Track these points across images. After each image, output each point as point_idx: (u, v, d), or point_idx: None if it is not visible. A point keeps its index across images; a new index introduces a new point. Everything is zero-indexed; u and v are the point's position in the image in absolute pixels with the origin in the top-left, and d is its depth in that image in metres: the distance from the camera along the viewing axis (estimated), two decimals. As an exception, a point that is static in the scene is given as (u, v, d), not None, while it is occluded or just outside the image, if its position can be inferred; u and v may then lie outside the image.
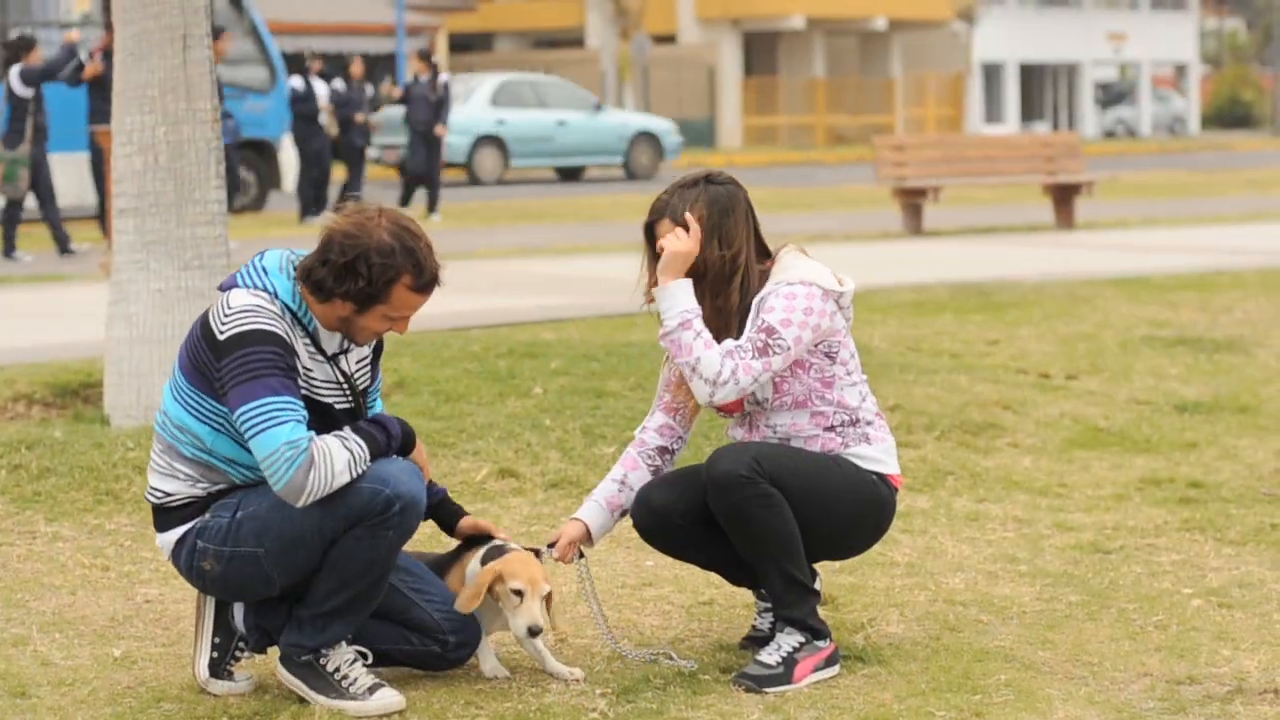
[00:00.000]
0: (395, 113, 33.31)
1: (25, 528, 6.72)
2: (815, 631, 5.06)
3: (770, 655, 5.01)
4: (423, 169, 24.25)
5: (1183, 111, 68.45)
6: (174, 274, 8.09)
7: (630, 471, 5.25)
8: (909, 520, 6.87)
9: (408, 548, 5.02)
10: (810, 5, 54.75)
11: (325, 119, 23.97)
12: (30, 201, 18.51)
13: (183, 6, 8.05)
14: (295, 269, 4.80)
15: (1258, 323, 12.25)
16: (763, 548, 5.02)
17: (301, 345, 4.78)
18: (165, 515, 4.89)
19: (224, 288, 4.81)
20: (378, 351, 5.05)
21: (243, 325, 4.68)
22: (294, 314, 4.78)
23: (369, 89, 25.50)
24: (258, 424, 4.61)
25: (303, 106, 23.63)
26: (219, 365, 4.69)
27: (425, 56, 24.81)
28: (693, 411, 5.31)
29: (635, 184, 33.46)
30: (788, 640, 5.03)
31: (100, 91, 17.73)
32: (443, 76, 24.48)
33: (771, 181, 32.77)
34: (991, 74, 62.44)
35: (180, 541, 4.86)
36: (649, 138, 35.73)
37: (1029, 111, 64.51)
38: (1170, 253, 17.51)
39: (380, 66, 40.54)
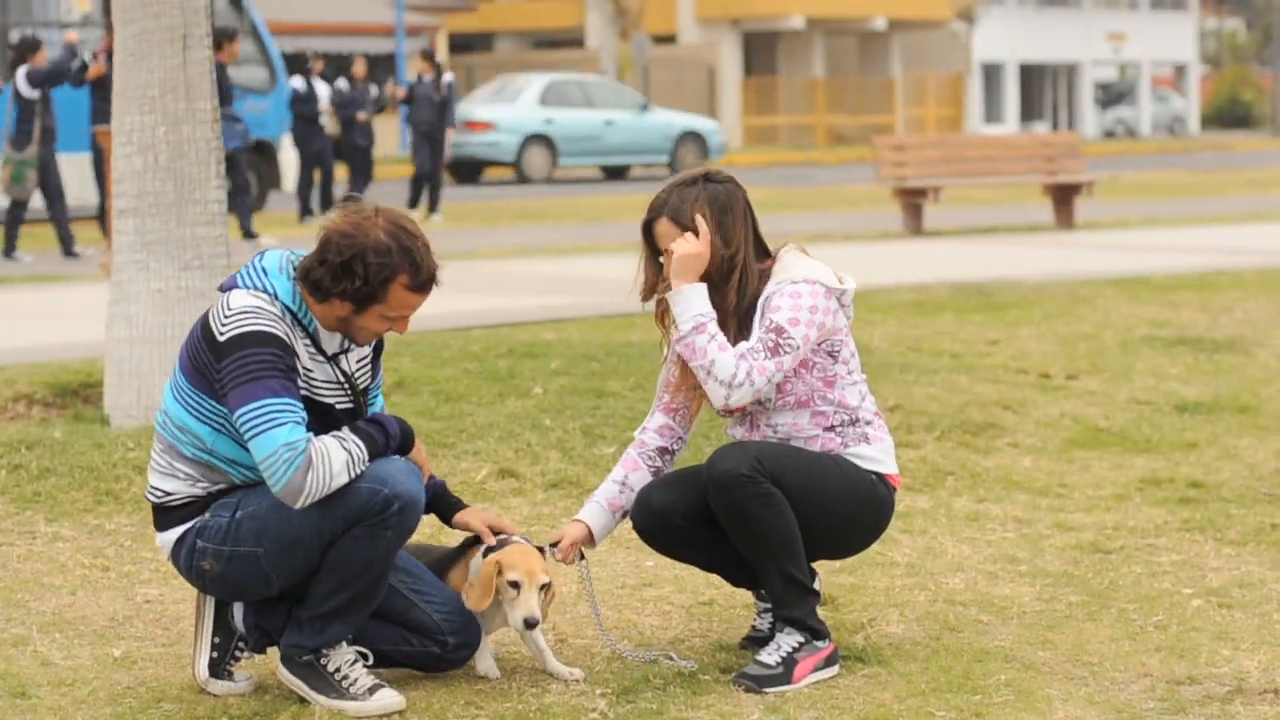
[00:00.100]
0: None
1: (25, 528, 6.72)
2: (815, 632, 5.06)
3: (770, 655, 5.01)
4: (427, 169, 24.24)
5: (1183, 111, 68.45)
6: (174, 274, 8.09)
7: (631, 473, 5.25)
8: (909, 520, 6.87)
9: (413, 540, 5.02)
10: (810, 5, 54.75)
11: (326, 120, 23.96)
12: (35, 202, 18.50)
13: (183, 6, 8.04)
14: (295, 269, 4.80)
15: (1258, 323, 12.25)
16: (763, 547, 5.02)
17: (302, 346, 4.78)
18: (165, 515, 4.89)
19: (224, 288, 4.82)
20: (378, 350, 5.05)
21: (243, 326, 4.69)
22: (294, 315, 4.78)
23: (373, 89, 25.47)
24: (256, 425, 4.62)
25: (303, 107, 23.61)
26: (219, 366, 4.69)
27: (429, 57, 24.78)
28: (692, 412, 5.31)
29: None
30: (787, 640, 5.03)
31: (103, 92, 17.72)
32: (446, 76, 24.47)
33: (771, 181, 32.77)
34: (991, 74, 62.44)
35: (180, 541, 4.86)
36: (694, 137, 36.29)
37: (1029, 111, 64.51)
38: (1170, 253, 17.52)
39: (380, 67, 40.52)
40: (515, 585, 4.92)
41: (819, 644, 5.06)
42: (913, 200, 20.63)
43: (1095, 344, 11.13)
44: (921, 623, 5.57)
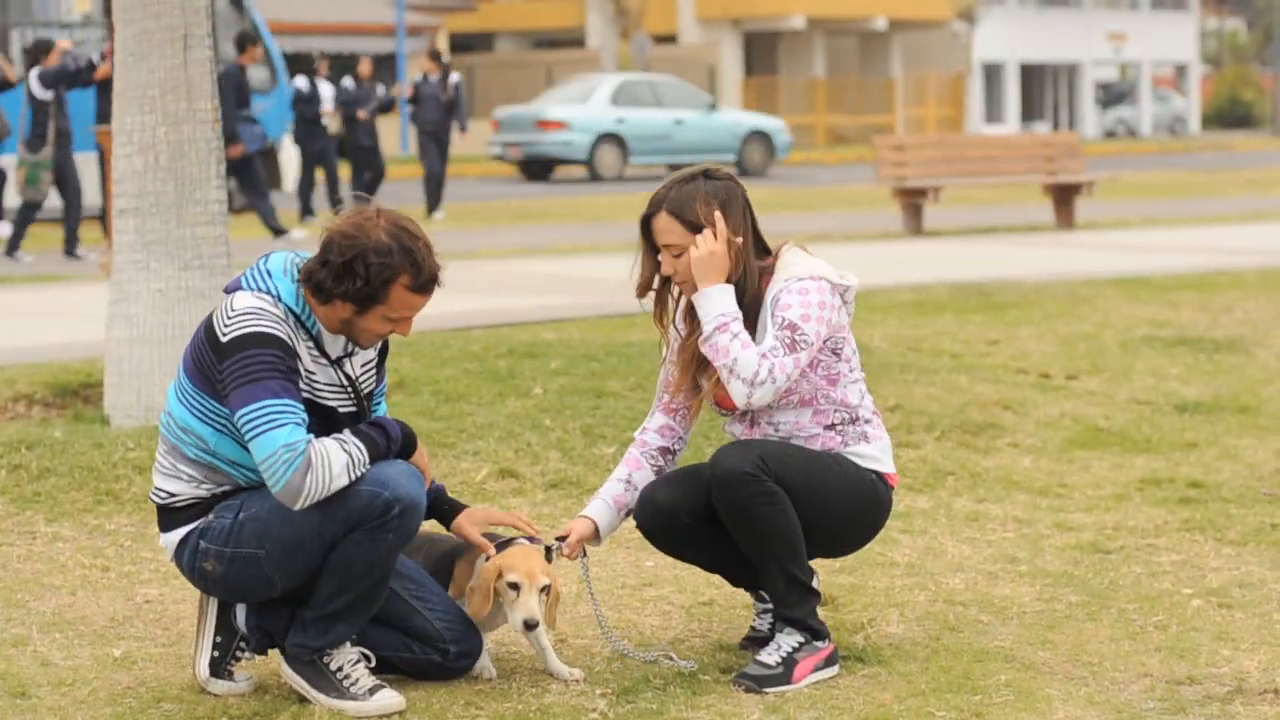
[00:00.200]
0: (523, 111, 34.30)
1: (25, 528, 6.72)
2: (815, 632, 5.06)
3: (770, 655, 5.01)
4: (438, 170, 24.20)
5: (1183, 111, 68.44)
6: (174, 274, 8.09)
7: (634, 471, 5.24)
8: (909, 520, 6.87)
9: (422, 530, 5.01)
10: (810, 5, 54.74)
11: (327, 120, 23.94)
12: (54, 201, 18.48)
13: (183, 6, 8.04)
14: (299, 272, 4.80)
15: (1258, 323, 12.25)
16: (765, 546, 5.02)
17: (304, 348, 4.79)
18: (169, 516, 4.90)
19: (229, 290, 4.82)
20: (383, 355, 5.05)
21: (245, 328, 4.69)
22: (297, 317, 4.78)
23: (379, 89, 25.45)
24: (257, 426, 4.62)
25: (305, 108, 23.61)
26: (221, 367, 4.70)
27: (436, 56, 24.73)
28: (693, 412, 5.31)
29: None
30: (787, 640, 5.04)
31: (108, 93, 17.73)
32: (453, 76, 24.43)
33: (772, 181, 32.76)
34: (992, 74, 62.43)
35: (183, 542, 4.87)
36: (761, 136, 36.89)
37: (1029, 111, 64.49)
38: (1170, 253, 17.51)
39: (381, 67, 40.55)
40: (515, 587, 4.92)
41: (819, 644, 5.06)
42: (913, 200, 20.63)
43: (1095, 344, 11.13)
44: (921, 623, 5.57)
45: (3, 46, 22.29)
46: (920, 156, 21.35)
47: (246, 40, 20.71)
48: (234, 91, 19.73)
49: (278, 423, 4.61)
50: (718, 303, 5.02)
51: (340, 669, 4.83)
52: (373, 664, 4.91)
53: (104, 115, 18.29)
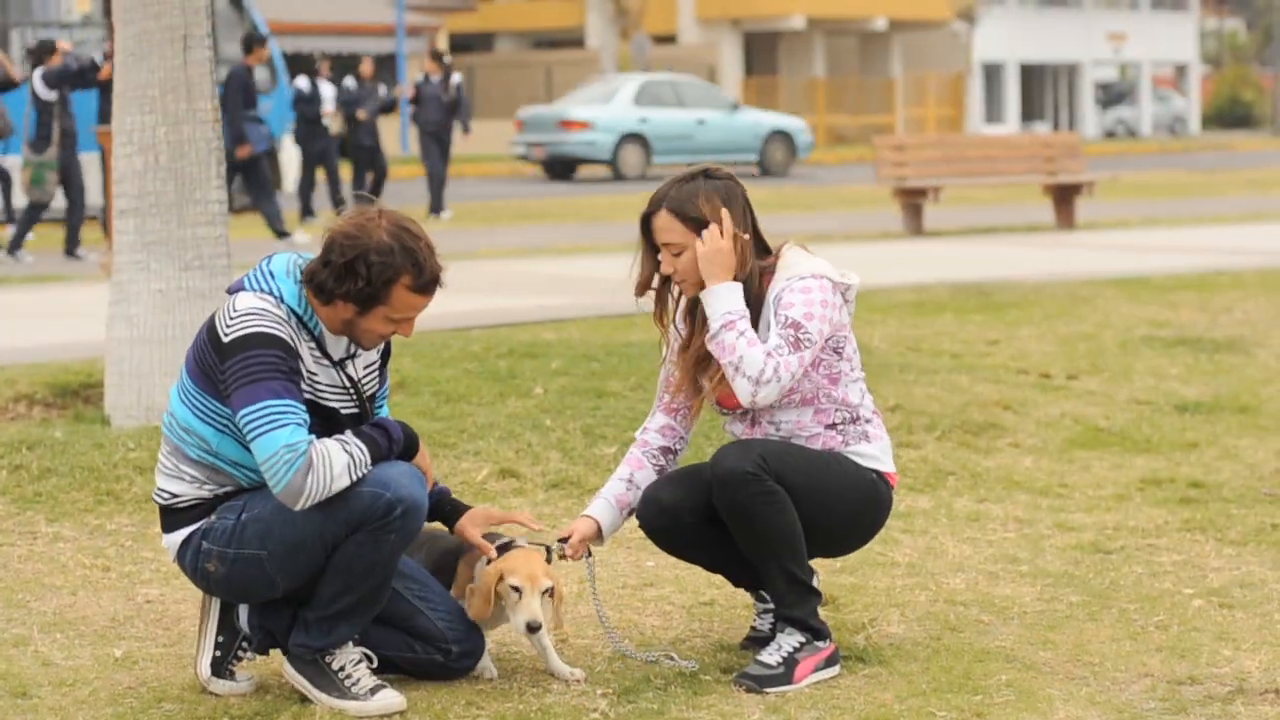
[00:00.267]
0: (546, 112, 34.55)
1: (26, 528, 6.72)
2: (816, 632, 5.06)
3: (771, 655, 5.01)
4: (440, 170, 24.19)
5: (1183, 111, 68.43)
6: (174, 274, 8.09)
7: (636, 470, 5.25)
8: (909, 520, 6.87)
9: (426, 527, 5.01)
10: (810, 5, 54.74)
11: (328, 120, 23.93)
12: (59, 202, 18.48)
13: (183, 6, 8.05)
14: (301, 273, 4.80)
15: (1258, 323, 12.25)
16: (766, 545, 5.02)
17: (306, 350, 4.79)
18: (172, 516, 4.90)
19: (231, 291, 4.83)
20: (385, 357, 5.05)
21: (247, 328, 4.69)
22: (300, 318, 4.79)
23: (381, 89, 25.44)
24: (258, 426, 4.62)
25: (306, 108, 23.61)
26: (223, 367, 4.70)
27: (437, 57, 24.71)
28: (693, 412, 5.31)
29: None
30: (788, 640, 5.04)
31: (110, 93, 17.73)
32: (455, 77, 24.41)
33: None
34: (992, 74, 62.43)
35: (186, 542, 4.87)
36: (783, 136, 37.04)
37: (1029, 111, 64.50)
38: (1170, 253, 17.52)
39: (381, 67, 40.55)
40: (517, 590, 4.92)
41: (820, 644, 5.06)
42: (913, 200, 20.63)
43: (1095, 344, 11.13)
44: (922, 623, 5.57)
45: (3, 46, 22.28)
46: (920, 156, 21.35)
47: (253, 41, 20.71)
48: (241, 92, 19.74)
49: (279, 423, 4.61)
50: (725, 300, 5.02)
51: (342, 669, 4.83)
52: (374, 664, 4.91)
53: (105, 116, 18.31)
